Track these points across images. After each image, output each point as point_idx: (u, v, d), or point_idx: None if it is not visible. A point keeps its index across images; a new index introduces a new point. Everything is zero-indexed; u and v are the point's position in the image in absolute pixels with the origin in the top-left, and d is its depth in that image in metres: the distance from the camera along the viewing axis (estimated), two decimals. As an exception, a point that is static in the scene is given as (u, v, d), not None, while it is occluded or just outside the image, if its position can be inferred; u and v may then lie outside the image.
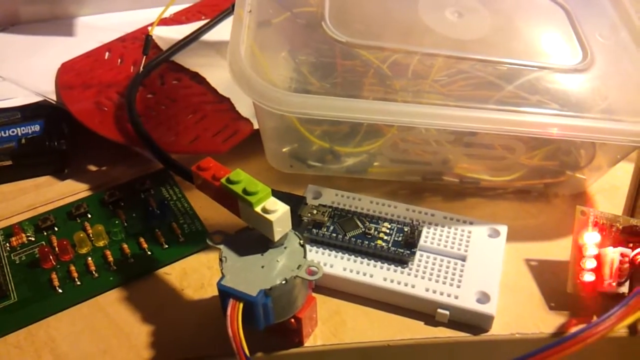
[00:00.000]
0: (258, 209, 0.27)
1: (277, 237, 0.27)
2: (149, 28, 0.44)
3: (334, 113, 0.31)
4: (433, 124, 0.32)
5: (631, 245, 0.30)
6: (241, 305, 0.26)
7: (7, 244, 0.34)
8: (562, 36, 0.37)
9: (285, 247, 0.28)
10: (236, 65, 0.31)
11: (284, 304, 0.27)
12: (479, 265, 0.31)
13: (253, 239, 0.28)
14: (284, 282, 0.26)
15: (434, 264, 0.31)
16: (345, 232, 0.32)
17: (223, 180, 0.28)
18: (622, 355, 0.32)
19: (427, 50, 0.35)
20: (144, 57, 0.42)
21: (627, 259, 0.30)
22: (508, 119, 0.31)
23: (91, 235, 0.34)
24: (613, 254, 0.30)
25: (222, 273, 0.27)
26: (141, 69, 0.41)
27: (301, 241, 0.28)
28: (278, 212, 0.27)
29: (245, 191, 0.27)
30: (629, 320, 0.22)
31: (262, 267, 0.27)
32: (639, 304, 0.22)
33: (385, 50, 0.35)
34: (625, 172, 0.37)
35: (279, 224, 0.27)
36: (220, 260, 0.28)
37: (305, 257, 0.28)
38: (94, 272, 0.33)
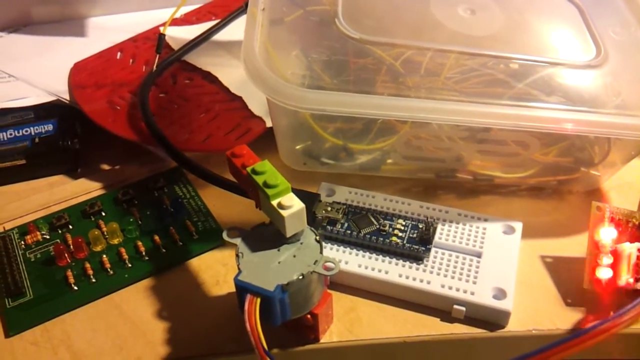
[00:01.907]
0: (274, 202, 0.27)
1: (289, 233, 0.27)
2: (161, 28, 0.44)
3: (349, 109, 0.31)
4: (447, 120, 0.32)
5: (648, 241, 0.30)
6: (258, 300, 0.26)
7: (22, 242, 0.34)
8: (575, 32, 0.37)
9: (301, 243, 0.28)
10: (250, 62, 0.31)
11: (300, 300, 0.27)
12: (494, 262, 0.31)
13: (269, 235, 0.28)
14: (300, 277, 0.26)
15: (449, 260, 0.31)
16: (360, 229, 0.32)
17: (249, 169, 0.28)
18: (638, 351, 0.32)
19: (439, 47, 0.35)
20: (157, 56, 0.42)
21: (644, 255, 0.29)
22: (522, 114, 0.31)
23: (106, 233, 0.34)
24: (630, 249, 0.30)
25: (238, 268, 0.27)
26: (154, 67, 0.41)
27: (317, 237, 0.28)
28: (292, 208, 0.27)
29: (265, 183, 0.27)
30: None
31: (279, 262, 0.27)
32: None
33: (398, 47, 0.35)
34: (639, 169, 0.37)
35: (291, 220, 0.27)
36: (237, 255, 0.28)
37: (321, 252, 0.28)
38: (109, 270, 0.33)
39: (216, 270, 0.33)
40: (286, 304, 0.26)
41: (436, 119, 0.32)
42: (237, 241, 0.28)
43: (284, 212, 0.26)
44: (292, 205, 0.27)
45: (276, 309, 0.26)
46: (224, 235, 0.29)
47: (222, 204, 0.36)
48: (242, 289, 0.26)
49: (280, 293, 0.26)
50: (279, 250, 0.28)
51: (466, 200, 0.37)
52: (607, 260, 0.30)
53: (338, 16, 0.35)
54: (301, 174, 0.38)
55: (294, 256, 0.27)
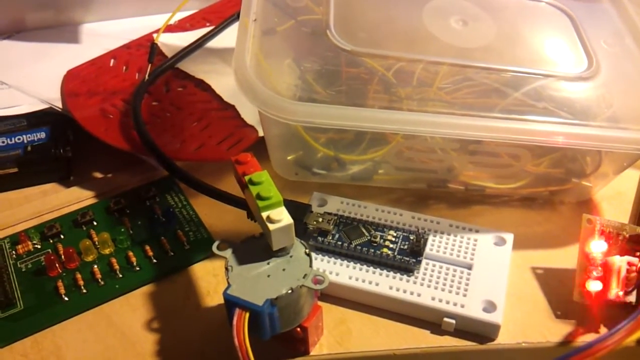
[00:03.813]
0: (264, 214, 0.27)
1: (275, 247, 0.27)
2: (154, 35, 0.44)
3: (339, 122, 0.31)
4: (438, 133, 0.32)
5: (638, 254, 0.30)
6: (247, 314, 0.26)
7: (14, 252, 0.34)
8: (567, 43, 0.37)
9: (290, 256, 0.28)
10: (241, 73, 0.31)
11: (290, 313, 0.27)
12: (485, 274, 0.31)
13: (259, 248, 0.28)
14: (290, 291, 0.26)
15: (439, 272, 0.31)
16: (351, 240, 0.32)
17: (247, 178, 0.28)
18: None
19: (431, 58, 0.35)
20: (150, 64, 0.42)
21: (634, 268, 0.29)
22: (514, 127, 0.31)
23: (97, 243, 0.34)
24: (620, 262, 0.30)
25: (228, 282, 0.27)
26: (146, 77, 0.41)
27: (307, 250, 0.28)
28: (280, 223, 0.27)
29: (258, 195, 0.27)
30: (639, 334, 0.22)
31: (268, 276, 0.27)
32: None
33: (390, 58, 0.35)
34: (631, 179, 0.37)
35: (278, 235, 0.27)
36: (226, 269, 0.28)
37: (311, 266, 0.28)
38: (99, 280, 0.33)
39: (207, 281, 0.33)
40: (275, 318, 0.26)
41: (427, 132, 0.32)
42: (227, 254, 0.28)
43: (271, 226, 0.26)
44: (280, 219, 0.27)
45: (265, 323, 0.26)
46: (214, 248, 0.28)
47: (214, 213, 0.36)
48: (231, 303, 0.26)
49: (269, 307, 0.26)
50: (268, 263, 0.28)
51: (458, 210, 0.37)
52: (597, 273, 0.30)
53: (330, 27, 0.35)
54: (293, 183, 0.38)
55: (284, 270, 0.27)
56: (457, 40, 0.36)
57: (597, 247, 0.31)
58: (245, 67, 0.31)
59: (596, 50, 0.36)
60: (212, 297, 0.32)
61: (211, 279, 0.33)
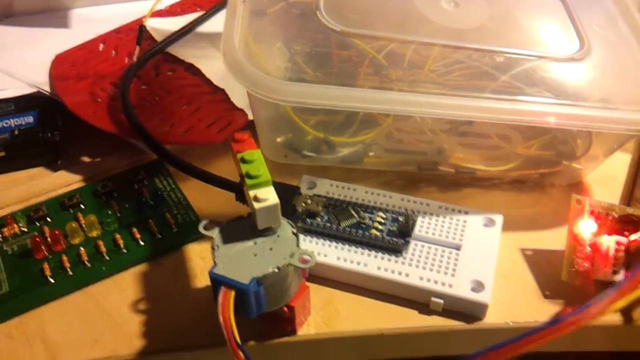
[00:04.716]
0: (251, 193, 0.27)
1: (260, 226, 0.27)
2: (143, 18, 0.44)
3: (329, 102, 0.31)
4: (429, 113, 0.32)
5: (627, 234, 0.30)
6: (233, 293, 0.25)
7: (0, 235, 0.34)
8: (559, 26, 0.37)
9: (278, 236, 0.28)
10: (230, 54, 0.31)
11: (276, 292, 0.27)
12: (473, 254, 0.31)
13: (246, 228, 0.28)
14: (276, 270, 0.26)
15: (428, 253, 0.31)
16: (340, 221, 0.32)
17: (239, 156, 0.28)
18: (617, 344, 0.32)
19: (423, 40, 0.35)
20: (138, 47, 0.41)
21: (622, 247, 0.29)
22: (505, 107, 0.31)
23: (84, 225, 0.34)
24: (608, 242, 0.30)
25: (214, 261, 0.27)
26: (134, 59, 0.41)
27: (294, 230, 0.28)
28: (266, 202, 0.27)
29: (247, 173, 0.27)
30: (621, 303, 0.22)
31: (255, 255, 0.27)
32: (631, 287, 0.22)
33: (381, 39, 0.35)
34: (621, 162, 0.36)
35: (263, 214, 0.27)
36: (213, 248, 0.27)
37: (298, 245, 0.27)
38: (86, 262, 0.32)
39: (195, 263, 0.33)
40: (262, 296, 0.26)
41: (418, 112, 0.32)
42: (214, 233, 0.28)
43: (256, 205, 0.26)
44: (267, 198, 0.27)
45: (251, 302, 0.26)
46: (200, 227, 0.28)
47: (202, 196, 0.36)
48: (217, 282, 0.26)
49: (255, 286, 0.26)
50: (255, 243, 0.28)
51: (448, 193, 0.37)
52: (585, 253, 0.30)
53: (320, 8, 0.35)
54: (283, 166, 0.38)
55: (270, 249, 0.27)
56: (449, 21, 0.36)
57: (586, 227, 0.31)
58: (234, 48, 0.31)
59: (588, 32, 0.36)
60: (200, 279, 0.32)
61: (199, 261, 0.33)
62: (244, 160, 0.28)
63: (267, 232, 0.28)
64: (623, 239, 0.30)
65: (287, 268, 0.26)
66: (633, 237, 0.29)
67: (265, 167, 0.28)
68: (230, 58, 0.31)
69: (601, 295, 0.21)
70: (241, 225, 0.28)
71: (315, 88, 0.31)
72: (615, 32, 0.37)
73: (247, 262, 0.27)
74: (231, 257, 0.27)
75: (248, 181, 0.27)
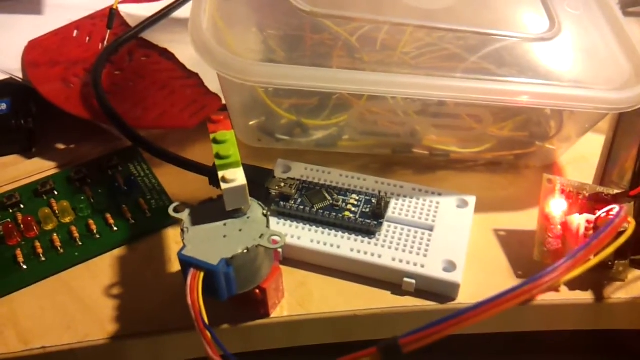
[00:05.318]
0: (220, 174, 0.27)
1: (228, 207, 0.27)
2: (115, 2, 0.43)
3: (299, 82, 0.31)
4: (401, 93, 0.32)
5: (597, 212, 0.30)
6: (202, 274, 0.25)
7: (-29, 222, 0.34)
8: (530, 6, 0.37)
9: (248, 218, 0.28)
10: (197, 36, 0.31)
11: (247, 274, 0.27)
12: (446, 235, 0.31)
13: (216, 210, 0.28)
14: (245, 250, 0.26)
15: (401, 234, 0.31)
16: (313, 204, 0.32)
17: (212, 136, 0.28)
18: (589, 323, 0.32)
19: (395, 20, 0.35)
20: (108, 31, 0.41)
21: (592, 225, 0.30)
22: (476, 87, 0.31)
23: (57, 211, 0.34)
24: (579, 220, 0.30)
25: (183, 243, 0.27)
26: (105, 43, 0.40)
27: (265, 211, 0.28)
28: (234, 183, 0.27)
29: (217, 154, 0.27)
30: (576, 272, 0.22)
31: (224, 236, 0.27)
32: (586, 256, 0.22)
33: (353, 20, 0.35)
34: (596, 143, 0.37)
35: (231, 195, 0.27)
36: (182, 230, 0.27)
37: (268, 226, 0.27)
38: (59, 248, 0.32)
39: (169, 247, 0.33)
40: (232, 278, 0.26)
41: (390, 92, 0.32)
42: (184, 216, 0.28)
43: (224, 185, 0.26)
44: (234, 179, 0.27)
45: (221, 283, 0.26)
46: (170, 210, 0.28)
47: (176, 182, 0.36)
48: (186, 263, 0.26)
49: (224, 267, 0.26)
50: (225, 224, 0.27)
51: (423, 175, 0.37)
52: (556, 232, 0.30)
53: (291, -11, 0.35)
54: (257, 150, 0.38)
55: (240, 230, 0.27)
56: (421, 2, 0.36)
57: (557, 206, 0.31)
58: (201, 29, 0.31)
59: (559, 12, 0.36)
60: (174, 264, 0.32)
61: (174, 246, 0.33)
62: (215, 141, 0.28)
63: (237, 213, 0.28)
64: (593, 218, 0.30)
65: (256, 249, 0.26)
66: (599, 213, 0.29)
67: (236, 148, 0.28)
68: (198, 39, 0.31)
69: (555, 264, 0.21)
70: (211, 207, 0.28)
71: (285, 68, 0.31)
72: (587, 14, 0.37)
73: (216, 243, 0.26)
74: (201, 239, 0.27)
75: (217, 161, 0.27)
